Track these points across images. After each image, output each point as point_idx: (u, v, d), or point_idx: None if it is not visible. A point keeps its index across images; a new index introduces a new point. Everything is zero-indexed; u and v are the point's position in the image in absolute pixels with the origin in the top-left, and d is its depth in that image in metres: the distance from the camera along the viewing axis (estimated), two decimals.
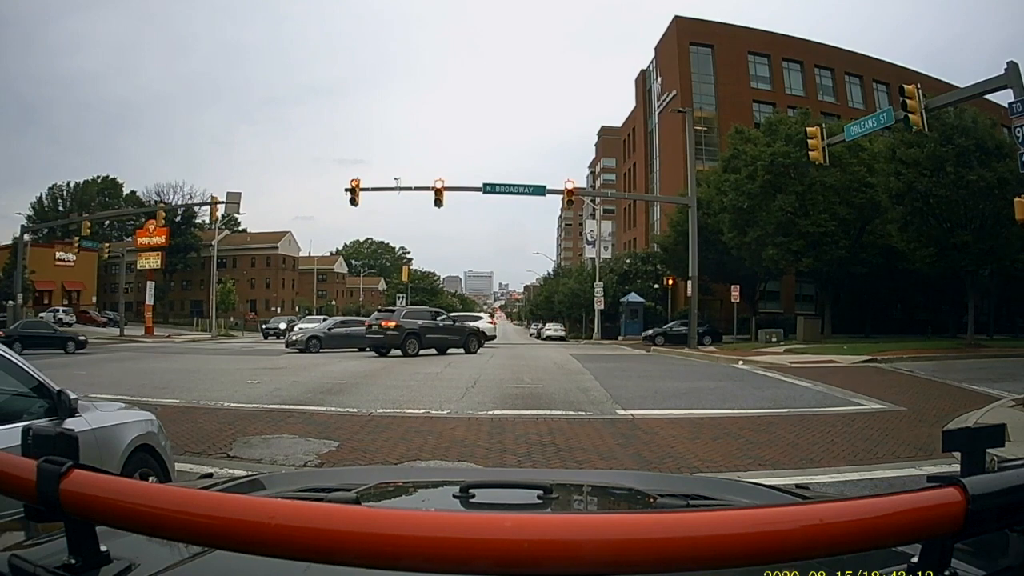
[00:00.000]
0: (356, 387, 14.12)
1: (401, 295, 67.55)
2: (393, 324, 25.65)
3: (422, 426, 9.32)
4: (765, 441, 8.36)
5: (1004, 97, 18.34)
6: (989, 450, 0.94)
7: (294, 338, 30.04)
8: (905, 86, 20.13)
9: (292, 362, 21.47)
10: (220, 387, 13.81)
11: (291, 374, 16.91)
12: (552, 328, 58.78)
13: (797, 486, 2.17)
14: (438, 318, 28.47)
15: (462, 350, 26.95)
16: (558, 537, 0.70)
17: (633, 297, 47.40)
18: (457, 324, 29.42)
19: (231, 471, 6.06)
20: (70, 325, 48.83)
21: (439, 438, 8.49)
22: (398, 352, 25.06)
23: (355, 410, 10.60)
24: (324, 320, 37.29)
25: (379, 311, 29.13)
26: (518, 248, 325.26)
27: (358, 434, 8.65)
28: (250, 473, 2.84)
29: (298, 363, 20.98)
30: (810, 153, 24.48)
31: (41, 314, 51.05)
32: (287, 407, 10.82)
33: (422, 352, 25.47)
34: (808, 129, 25.45)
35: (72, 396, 3.68)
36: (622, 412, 10.67)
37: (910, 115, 19.49)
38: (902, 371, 18.19)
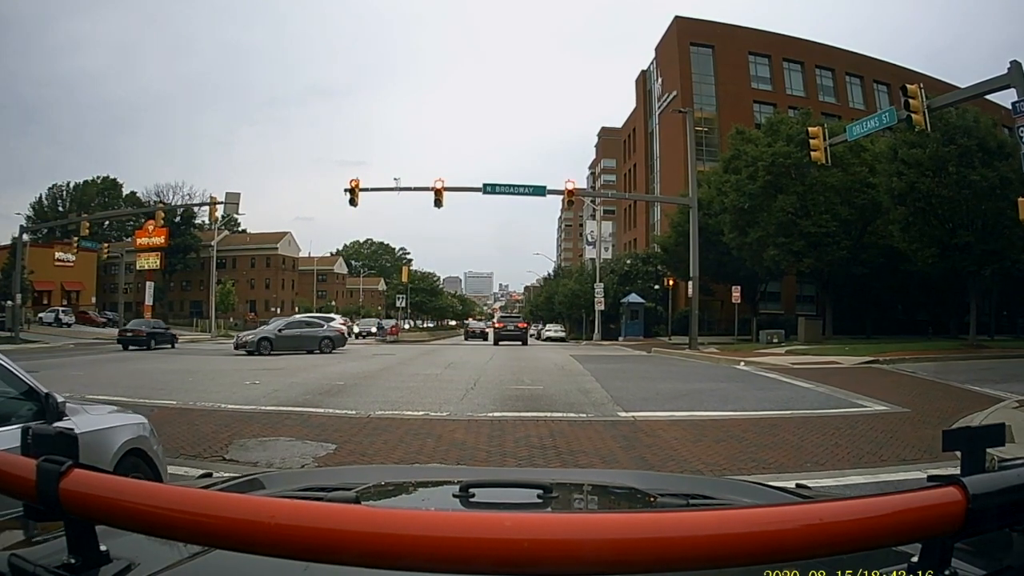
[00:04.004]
0: (355, 388, 14.06)
1: (401, 295, 67.51)
2: (525, 325, 42.79)
3: (421, 428, 9.26)
4: (768, 443, 8.31)
5: (1005, 97, 18.34)
6: (989, 450, 0.94)
7: (245, 339, 28.90)
8: (908, 86, 20.00)
9: (290, 363, 21.41)
10: (218, 388, 13.75)
11: (289, 375, 16.85)
12: (552, 329, 58.82)
13: (797, 485, 2.17)
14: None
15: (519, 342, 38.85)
16: (558, 536, 0.70)
17: (634, 298, 47.40)
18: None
19: (227, 475, 6.04)
20: (69, 326, 48.88)
21: (438, 441, 8.43)
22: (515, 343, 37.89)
23: (353, 412, 10.52)
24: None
25: (505, 316, 49.61)
26: (518, 248, 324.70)
27: (356, 436, 8.60)
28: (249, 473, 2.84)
29: (296, 364, 20.94)
30: (812, 153, 24.42)
31: (40, 314, 51.11)
32: (285, 409, 10.76)
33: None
34: (810, 129, 25.39)
35: (60, 399, 3.58)
36: (623, 414, 10.61)
37: (913, 115, 19.39)
38: (904, 372, 18.15)
